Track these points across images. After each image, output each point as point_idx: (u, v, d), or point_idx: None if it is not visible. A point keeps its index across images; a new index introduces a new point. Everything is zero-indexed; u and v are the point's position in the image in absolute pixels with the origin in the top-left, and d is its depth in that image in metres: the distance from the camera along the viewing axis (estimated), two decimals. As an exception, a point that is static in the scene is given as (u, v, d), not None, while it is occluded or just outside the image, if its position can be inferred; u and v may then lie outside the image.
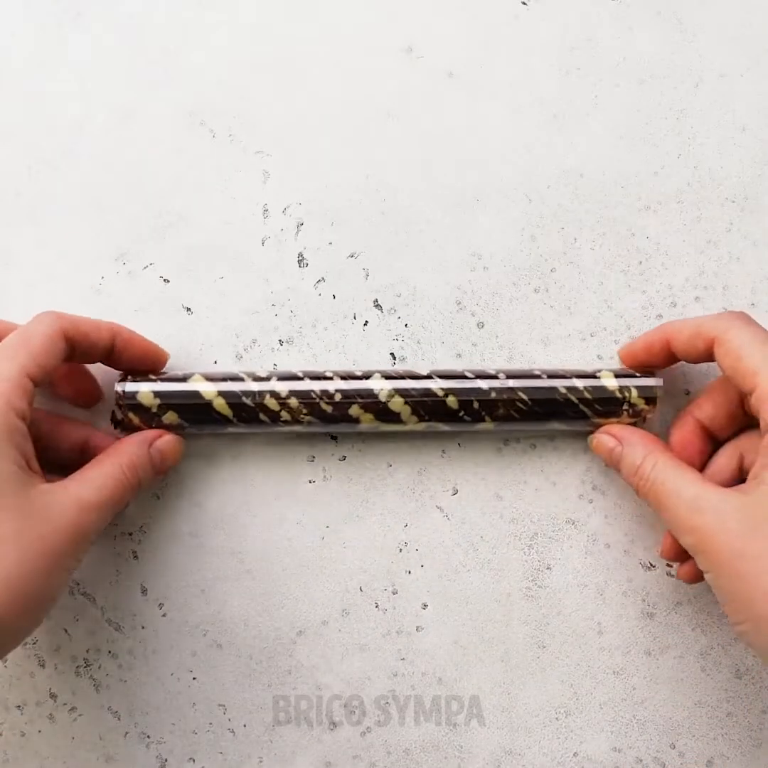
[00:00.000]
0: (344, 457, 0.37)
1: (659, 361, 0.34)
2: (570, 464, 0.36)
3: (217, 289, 0.38)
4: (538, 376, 0.34)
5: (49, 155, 0.39)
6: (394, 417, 0.34)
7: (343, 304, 0.38)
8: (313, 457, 0.37)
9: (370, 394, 0.34)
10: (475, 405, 0.34)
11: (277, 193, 0.38)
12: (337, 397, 0.34)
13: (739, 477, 0.33)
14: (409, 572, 0.36)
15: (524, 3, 0.39)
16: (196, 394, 0.34)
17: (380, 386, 0.34)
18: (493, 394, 0.34)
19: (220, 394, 0.34)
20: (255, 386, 0.34)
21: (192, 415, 0.34)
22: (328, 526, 0.37)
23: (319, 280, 0.38)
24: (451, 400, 0.34)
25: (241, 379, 0.35)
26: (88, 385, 0.36)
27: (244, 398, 0.34)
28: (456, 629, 0.36)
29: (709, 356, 0.32)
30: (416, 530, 0.36)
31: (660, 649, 0.36)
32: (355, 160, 0.38)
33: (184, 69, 0.39)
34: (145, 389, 0.34)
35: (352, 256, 0.38)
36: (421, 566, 0.36)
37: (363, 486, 0.37)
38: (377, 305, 0.38)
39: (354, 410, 0.34)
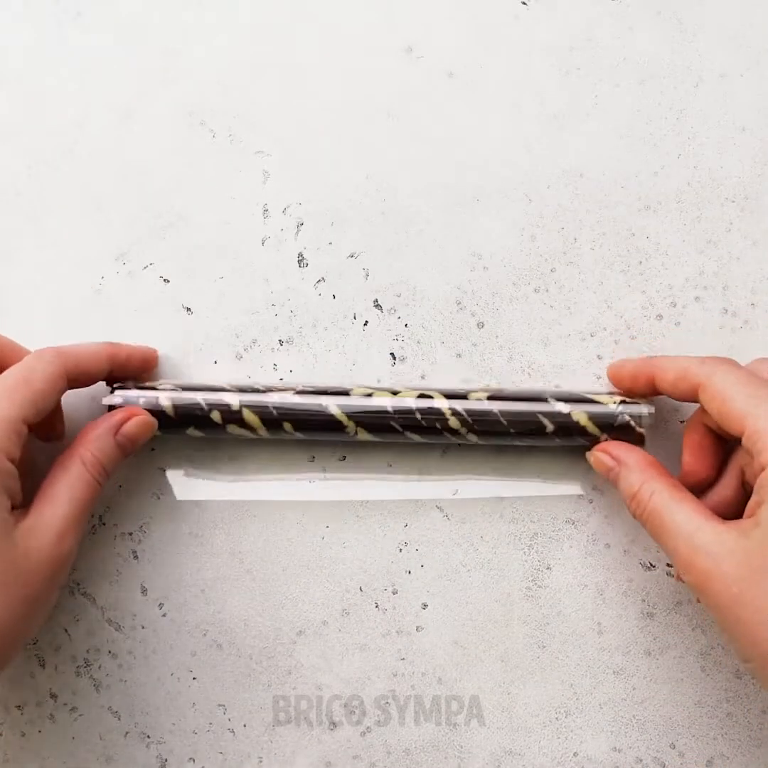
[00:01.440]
0: (344, 457, 0.37)
1: (644, 392, 0.34)
2: (570, 464, 0.36)
3: (217, 289, 0.38)
4: (523, 399, 0.34)
5: (49, 155, 0.39)
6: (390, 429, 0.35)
7: (343, 304, 0.38)
8: (313, 457, 0.37)
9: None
10: (455, 423, 0.34)
11: (277, 193, 0.38)
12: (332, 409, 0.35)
13: (743, 495, 0.33)
14: (409, 572, 0.36)
15: (524, 3, 0.39)
16: (197, 406, 0.35)
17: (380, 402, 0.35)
18: (472, 420, 0.34)
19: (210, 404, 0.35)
20: (240, 398, 0.35)
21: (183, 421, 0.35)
22: (328, 526, 0.37)
23: (319, 280, 0.38)
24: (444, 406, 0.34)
25: (224, 389, 0.35)
26: (58, 422, 0.35)
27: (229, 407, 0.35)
28: (456, 629, 0.36)
29: (693, 398, 0.32)
30: (416, 530, 0.36)
31: (660, 649, 0.36)
32: (355, 160, 0.38)
33: (184, 69, 0.39)
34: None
35: (352, 256, 0.38)
36: (421, 566, 0.36)
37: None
38: (377, 305, 0.38)
39: (350, 428, 0.35)
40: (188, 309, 0.38)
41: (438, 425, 0.34)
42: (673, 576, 0.36)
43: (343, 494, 0.37)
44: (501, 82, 0.38)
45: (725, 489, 0.33)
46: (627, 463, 0.33)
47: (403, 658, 0.36)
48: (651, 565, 0.36)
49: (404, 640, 0.36)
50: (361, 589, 0.36)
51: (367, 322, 0.38)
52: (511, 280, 0.37)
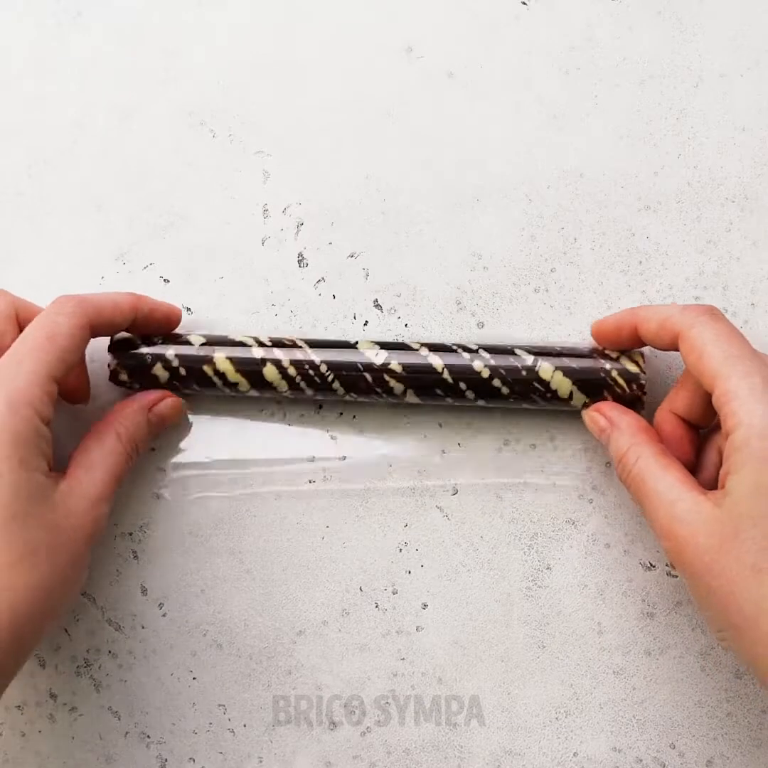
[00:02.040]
0: (344, 457, 0.37)
1: (628, 344, 0.34)
2: (570, 464, 0.36)
3: (217, 289, 0.38)
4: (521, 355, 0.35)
5: (49, 155, 0.39)
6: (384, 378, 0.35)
7: (343, 304, 0.38)
8: (313, 457, 0.37)
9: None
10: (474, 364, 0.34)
11: (277, 193, 0.38)
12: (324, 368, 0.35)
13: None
14: (409, 572, 0.36)
15: (524, 3, 0.39)
16: (199, 358, 0.35)
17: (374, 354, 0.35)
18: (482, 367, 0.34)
19: (215, 346, 0.35)
20: (254, 344, 0.35)
21: (189, 371, 0.35)
22: (328, 526, 0.37)
23: (319, 280, 0.38)
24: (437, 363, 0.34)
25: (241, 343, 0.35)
26: (83, 380, 0.36)
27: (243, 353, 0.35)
28: (456, 629, 0.36)
29: (675, 348, 0.31)
30: (416, 530, 0.36)
31: (660, 649, 0.36)
32: (355, 160, 0.38)
33: (184, 69, 0.39)
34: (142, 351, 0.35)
35: (352, 256, 0.38)
36: (421, 566, 0.36)
37: (363, 486, 0.37)
38: (377, 305, 0.38)
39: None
40: (188, 309, 0.38)
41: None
42: (673, 576, 0.36)
43: (343, 494, 0.37)
44: (501, 82, 0.38)
45: (708, 469, 0.33)
46: (618, 425, 0.33)
47: (403, 658, 0.36)
48: (651, 565, 0.36)
49: (404, 640, 0.36)
50: (361, 589, 0.36)
51: (367, 322, 0.38)
52: (511, 280, 0.37)
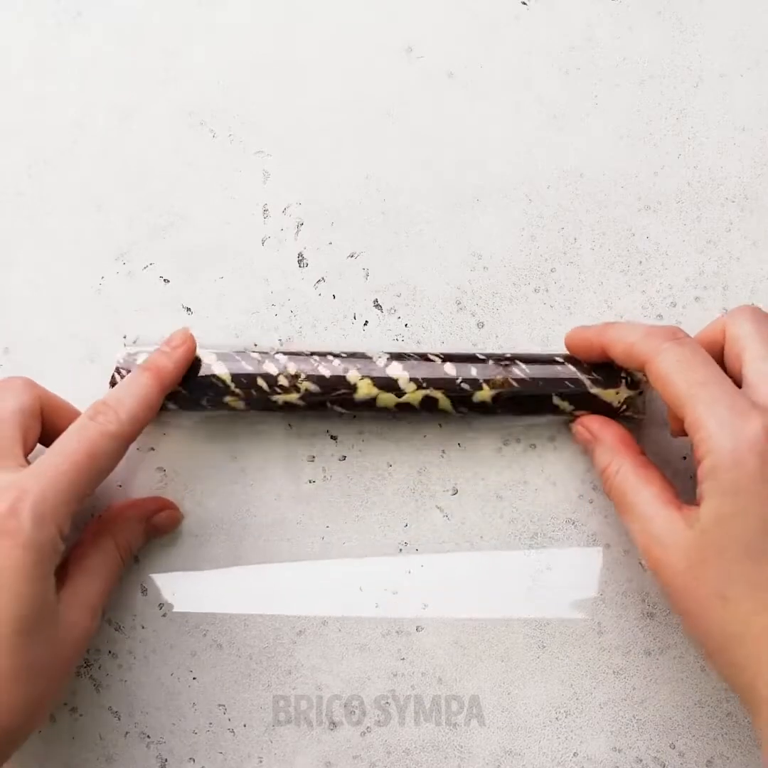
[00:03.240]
0: (344, 457, 0.37)
1: (599, 360, 0.34)
2: (570, 464, 0.36)
3: (217, 289, 0.38)
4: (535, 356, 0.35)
5: (49, 155, 0.39)
6: (391, 383, 0.34)
7: (343, 304, 0.38)
8: (313, 457, 0.37)
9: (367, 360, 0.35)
10: (473, 371, 0.34)
11: (277, 193, 0.38)
12: (336, 363, 0.34)
13: None
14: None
15: (524, 3, 0.39)
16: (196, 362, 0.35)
17: (380, 355, 0.35)
18: (491, 362, 0.34)
19: (219, 358, 0.35)
20: (256, 356, 0.35)
21: (191, 382, 0.35)
22: (328, 526, 0.37)
23: (319, 280, 0.38)
24: (448, 366, 0.34)
25: (242, 352, 0.35)
26: None
27: (245, 364, 0.34)
28: (456, 629, 0.36)
29: (644, 372, 0.31)
30: (416, 530, 0.36)
31: (660, 649, 0.36)
32: (355, 160, 0.38)
33: (184, 69, 0.39)
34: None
35: (352, 256, 0.38)
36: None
37: (363, 486, 0.37)
38: (377, 305, 0.38)
39: (352, 376, 0.34)
40: (188, 309, 0.38)
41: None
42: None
43: (343, 494, 0.37)
44: (501, 82, 0.38)
45: None
46: (601, 438, 0.33)
47: (403, 658, 0.36)
48: (651, 565, 0.36)
49: (404, 640, 0.36)
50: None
51: (367, 322, 0.38)
52: (511, 280, 0.37)
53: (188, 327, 0.35)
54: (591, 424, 0.34)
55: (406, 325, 0.37)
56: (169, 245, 0.38)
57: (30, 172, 0.39)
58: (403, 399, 0.34)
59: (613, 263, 0.37)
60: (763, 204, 0.37)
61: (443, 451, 0.37)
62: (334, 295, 0.38)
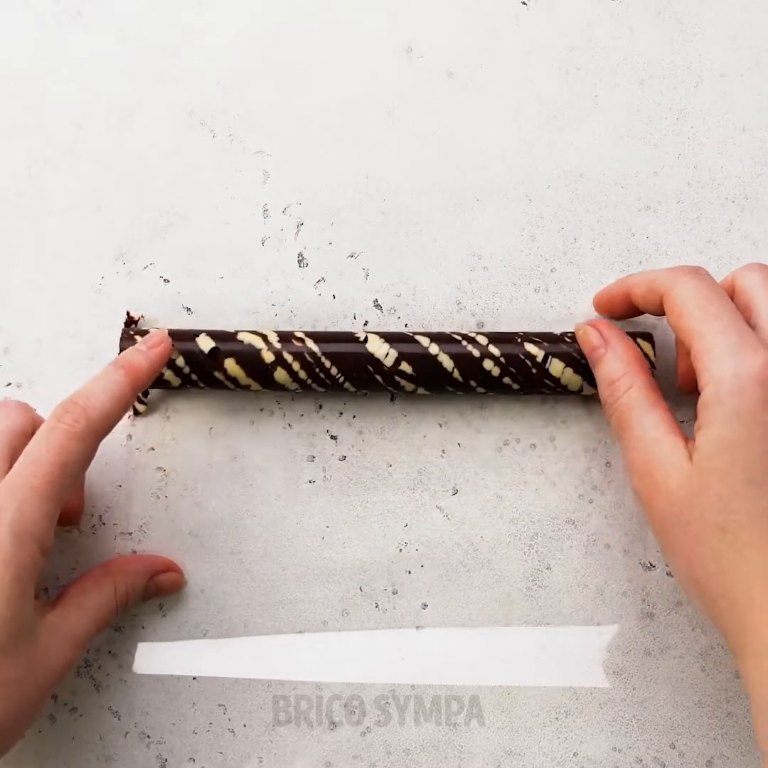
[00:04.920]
0: (344, 457, 0.37)
1: (623, 313, 0.34)
2: (570, 464, 0.36)
3: (217, 289, 0.38)
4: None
5: (49, 155, 0.39)
6: (402, 336, 0.35)
7: (343, 304, 0.38)
8: (313, 457, 0.37)
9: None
10: (482, 340, 0.34)
11: (277, 193, 0.38)
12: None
13: None
14: (409, 572, 0.36)
15: (524, 3, 0.39)
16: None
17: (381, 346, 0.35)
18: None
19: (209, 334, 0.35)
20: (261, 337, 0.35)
21: (200, 376, 0.35)
22: (328, 526, 0.37)
23: (319, 280, 0.38)
24: (444, 357, 0.34)
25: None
26: (77, 506, 0.35)
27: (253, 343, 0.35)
28: (456, 629, 0.36)
29: (664, 311, 0.31)
30: (416, 530, 0.36)
31: (660, 649, 0.36)
32: (355, 160, 0.38)
33: (184, 69, 0.39)
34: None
35: (352, 256, 0.38)
36: (421, 566, 0.36)
37: (363, 486, 0.37)
38: (377, 305, 0.38)
39: (361, 336, 0.35)
40: (188, 309, 0.38)
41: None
42: (674, 576, 0.36)
43: (343, 494, 0.37)
44: (501, 82, 0.38)
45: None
46: (615, 347, 0.32)
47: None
48: (651, 565, 0.36)
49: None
50: (361, 589, 0.36)
51: (367, 322, 0.38)
52: (511, 280, 0.37)
53: (166, 330, 0.35)
54: (606, 329, 0.33)
55: (406, 325, 0.37)
56: (169, 245, 0.38)
57: (30, 172, 0.39)
58: (414, 350, 0.34)
59: (613, 263, 0.37)
60: (763, 204, 0.37)
61: (443, 451, 0.37)
62: (334, 295, 0.38)
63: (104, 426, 0.31)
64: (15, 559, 0.28)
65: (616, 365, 0.32)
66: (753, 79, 0.38)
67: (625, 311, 0.34)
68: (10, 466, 0.30)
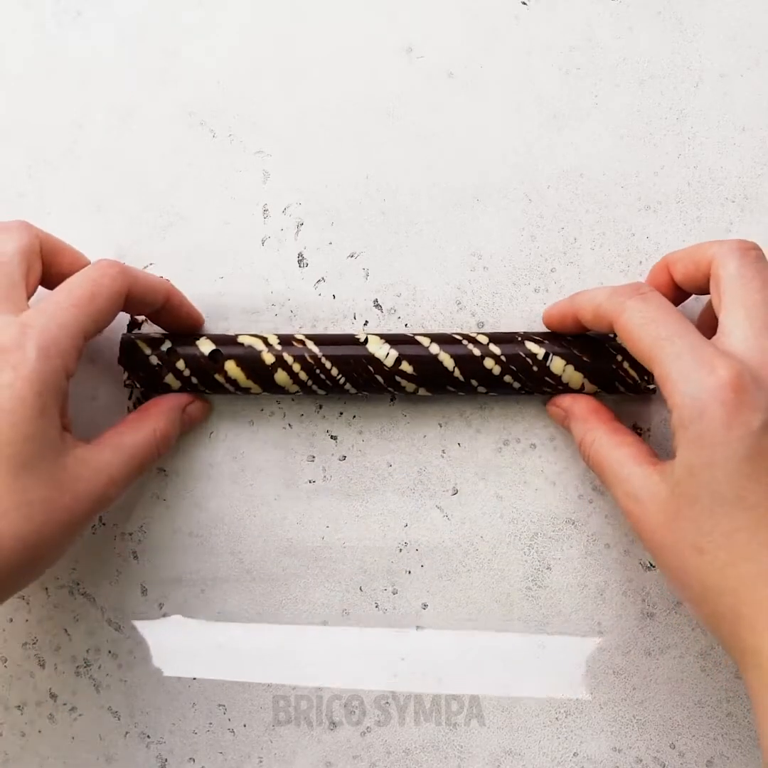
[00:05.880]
0: (344, 457, 0.37)
1: (574, 330, 0.34)
2: (570, 464, 0.36)
3: (217, 289, 0.38)
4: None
5: (49, 155, 0.39)
6: (402, 337, 0.35)
7: (343, 304, 0.38)
8: (313, 457, 0.37)
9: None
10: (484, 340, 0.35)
11: (277, 193, 0.38)
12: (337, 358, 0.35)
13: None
14: (409, 572, 0.36)
15: (524, 3, 0.39)
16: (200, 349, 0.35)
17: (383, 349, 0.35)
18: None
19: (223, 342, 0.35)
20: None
21: (200, 380, 0.35)
22: (328, 526, 0.37)
23: (319, 280, 0.38)
24: (444, 357, 0.34)
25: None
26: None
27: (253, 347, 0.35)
28: (456, 629, 0.36)
29: (611, 330, 0.32)
30: (416, 530, 0.36)
31: (660, 649, 0.36)
32: (355, 160, 0.38)
33: (184, 69, 0.39)
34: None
35: (352, 256, 0.38)
36: (421, 566, 0.36)
37: (363, 486, 0.37)
38: (377, 305, 0.38)
39: (360, 335, 0.35)
40: (188, 309, 0.38)
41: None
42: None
43: (343, 494, 0.37)
44: (501, 82, 0.38)
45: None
46: (573, 412, 0.34)
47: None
48: (651, 565, 0.36)
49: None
50: (361, 589, 0.36)
51: (367, 322, 0.38)
52: (511, 280, 0.37)
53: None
54: (562, 401, 0.35)
55: (406, 325, 0.37)
56: (169, 245, 0.38)
57: (30, 172, 0.39)
58: (414, 352, 0.34)
59: (613, 263, 0.37)
60: (763, 204, 0.37)
61: (443, 451, 0.37)
62: (334, 295, 0.38)
63: (135, 286, 0.32)
64: (40, 374, 0.28)
65: (577, 426, 0.34)
66: (753, 79, 0.38)
67: (577, 329, 0.34)
68: (27, 288, 0.31)
